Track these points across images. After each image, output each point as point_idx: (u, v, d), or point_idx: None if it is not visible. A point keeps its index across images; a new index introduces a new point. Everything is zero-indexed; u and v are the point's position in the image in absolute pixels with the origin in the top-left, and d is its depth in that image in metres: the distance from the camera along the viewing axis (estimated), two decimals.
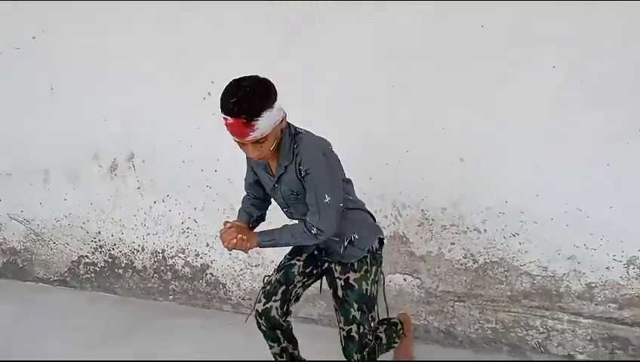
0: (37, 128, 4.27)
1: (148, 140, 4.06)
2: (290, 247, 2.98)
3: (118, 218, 4.26)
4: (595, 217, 3.19)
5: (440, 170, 3.42)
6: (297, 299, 2.91)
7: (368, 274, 2.84)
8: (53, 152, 4.30)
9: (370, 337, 2.88)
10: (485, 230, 3.41)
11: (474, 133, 3.32)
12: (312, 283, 2.96)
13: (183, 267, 4.19)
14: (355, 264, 2.83)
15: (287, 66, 3.48)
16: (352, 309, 2.82)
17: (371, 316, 2.89)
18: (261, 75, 2.49)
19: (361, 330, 2.84)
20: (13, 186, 4.48)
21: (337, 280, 2.85)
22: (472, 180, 3.38)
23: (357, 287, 2.82)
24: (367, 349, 2.88)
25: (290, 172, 2.64)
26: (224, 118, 2.47)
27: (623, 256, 3.18)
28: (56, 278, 4.55)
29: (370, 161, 3.54)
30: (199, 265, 4.14)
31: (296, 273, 2.88)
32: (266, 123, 2.46)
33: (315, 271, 2.94)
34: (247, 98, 2.42)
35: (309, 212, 2.63)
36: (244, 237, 2.69)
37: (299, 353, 2.94)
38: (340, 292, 2.84)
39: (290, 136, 2.63)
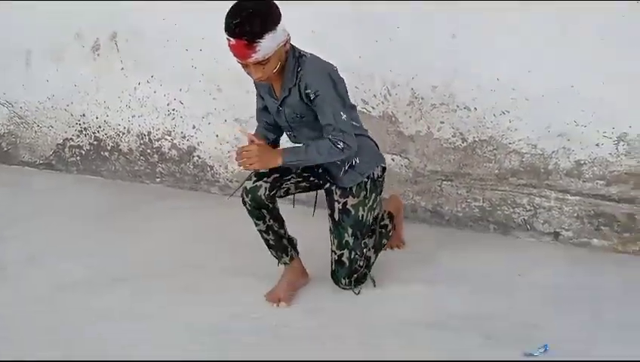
0: (17, 7, 4.14)
1: (131, 19, 3.95)
2: None
3: (103, 100, 4.19)
4: (586, 94, 3.13)
5: (431, 47, 3.34)
6: (286, 192, 2.89)
7: (366, 201, 2.88)
8: (34, 32, 4.20)
9: (361, 263, 2.94)
10: (475, 108, 3.36)
11: (466, 9, 3.22)
12: (304, 187, 2.94)
13: (169, 149, 4.15)
14: (354, 189, 2.86)
15: None
16: (345, 234, 2.88)
17: (364, 242, 2.94)
18: None
19: (352, 256, 2.89)
20: None
21: (336, 203, 2.89)
22: (463, 57, 3.30)
23: (353, 213, 2.86)
24: (355, 275, 2.94)
25: (294, 94, 2.67)
26: (227, 39, 2.48)
27: (613, 132, 3.15)
28: (41, 162, 4.52)
29: (359, 38, 3.46)
30: (186, 148, 4.10)
31: (293, 170, 2.86)
32: (268, 45, 2.48)
33: (311, 179, 2.93)
34: (249, 19, 2.43)
35: (329, 130, 2.63)
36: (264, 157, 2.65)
37: (286, 231, 2.94)
38: (336, 216, 2.89)
39: (294, 58, 2.65)
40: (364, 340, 2.65)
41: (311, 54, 2.69)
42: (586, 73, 3.11)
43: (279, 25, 2.50)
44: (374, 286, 2.98)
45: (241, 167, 2.67)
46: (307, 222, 3.08)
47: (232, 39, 2.47)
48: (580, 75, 3.12)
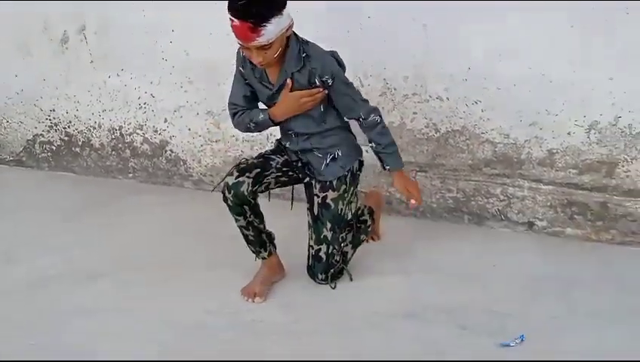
0: None
1: (99, 11, 3.87)
2: (275, 146, 2.99)
3: (72, 94, 4.13)
4: (558, 82, 3.14)
5: (403, 36, 3.32)
6: (267, 188, 2.86)
7: (345, 195, 2.89)
8: (0, 25, 4.11)
9: (338, 258, 2.93)
10: (447, 98, 3.35)
11: None
12: (283, 182, 2.93)
13: (141, 144, 4.10)
14: (335, 182, 2.86)
15: None
16: (324, 229, 2.88)
17: (342, 237, 2.94)
18: None
19: (330, 250, 2.89)
20: None
21: (315, 197, 2.89)
22: (434, 47, 3.29)
23: (333, 207, 2.87)
24: (332, 269, 2.93)
25: (300, 78, 2.66)
26: (230, 19, 2.44)
27: (584, 120, 3.16)
28: (11, 158, 4.45)
29: (330, 28, 3.42)
30: (158, 142, 4.06)
31: (274, 165, 2.85)
32: (273, 29, 2.45)
33: (290, 174, 2.92)
34: (256, 1, 2.40)
35: (358, 111, 2.74)
36: None
37: (265, 226, 2.92)
38: (315, 210, 2.89)
39: (297, 43, 2.65)
40: (341, 334, 2.65)
41: (312, 42, 2.72)
42: (557, 61, 3.11)
43: (285, 9, 2.48)
44: (351, 280, 2.98)
45: None
46: (282, 215, 3.07)
47: (235, 20, 2.43)
48: (551, 63, 3.13)
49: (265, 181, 2.82)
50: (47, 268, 3.16)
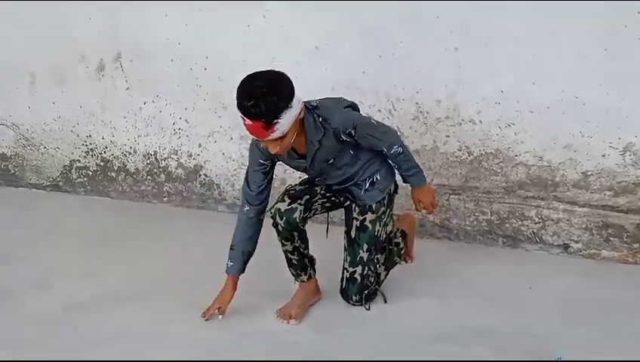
0: (21, 30, 4.16)
1: (135, 39, 3.96)
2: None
3: (109, 120, 4.20)
4: (591, 104, 3.14)
5: (434, 60, 3.35)
6: (314, 214, 2.90)
7: (382, 216, 2.90)
8: (38, 54, 4.20)
9: (372, 279, 2.94)
10: (480, 121, 3.36)
11: (469, 21, 3.24)
12: (327, 207, 2.96)
13: (176, 168, 4.15)
14: (374, 206, 2.88)
15: None
16: (360, 251, 2.89)
17: (377, 258, 2.95)
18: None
19: (365, 272, 2.90)
20: (0, 91, 4.40)
21: (354, 220, 2.90)
22: (467, 70, 3.31)
23: (370, 228, 2.88)
24: (366, 291, 2.93)
25: (327, 142, 2.67)
26: (242, 118, 2.47)
27: (619, 142, 3.15)
28: (48, 183, 4.52)
29: (362, 54, 3.47)
30: (192, 166, 4.10)
31: (318, 191, 2.88)
32: (286, 122, 2.46)
33: (333, 199, 2.95)
34: (265, 101, 2.39)
35: (384, 146, 2.76)
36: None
37: (309, 251, 2.93)
38: (353, 233, 2.90)
39: (310, 113, 2.63)
40: (376, 355, 2.64)
41: (319, 100, 2.72)
42: (590, 84, 3.13)
43: (294, 98, 2.47)
44: (385, 302, 2.97)
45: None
46: (317, 239, 3.07)
47: (247, 120, 2.45)
48: (584, 85, 3.14)
49: (313, 207, 2.85)
50: (80, 292, 3.17)
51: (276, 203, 2.79)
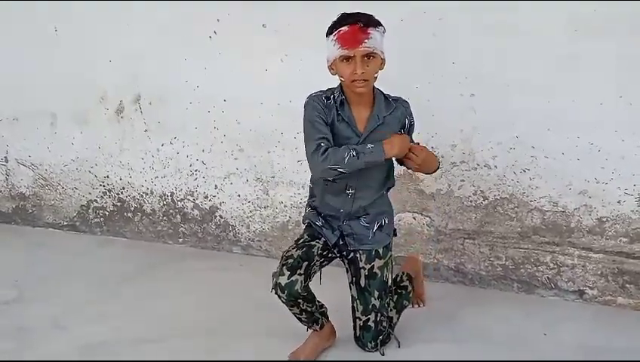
0: (42, 71, 4.24)
1: (154, 82, 4.02)
2: (308, 227, 2.96)
3: (126, 161, 4.25)
4: (606, 150, 3.16)
5: (450, 105, 3.38)
6: (314, 275, 2.87)
7: (389, 261, 2.92)
8: (59, 96, 4.27)
9: (385, 324, 2.93)
10: (495, 166, 3.38)
11: (484, 67, 3.27)
12: (325, 265, 2.94)
13: (192, 209, 4.18)
14: (381, 251, 2.88)
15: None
16: (372, 298, 2.88)
17: (387, 302, 2.95)
18: None
19: (378, 318, 2.90)
20: (20, 131, 4.47)
21: (362, 269, 2.89)
22: (482, 115, 3.34)
23: (379, 275, 2.89)
24: (381, 336, 2.93)
25: (391, 123, 2.77)
26: (338, 31, 2.59)
27: (634, 189, 3.16)
28: (65, 223, 4.56)
29: None
30: (208, 208, 4.13)
31: (316, 252, 2.83)
32: (377, 39, 2.60)
33: (330, 256, 2.94)
34: (364, 13, 2.60)
35: None
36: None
37: (316, 305, 2.88)
38: (362, 282, 2.89)
39: (378, 91, 2.79)
40: None
41: None
42: (605, 130, 3.14)
43: (384, 33, 2.65)
44: (399, 346, 2.96)
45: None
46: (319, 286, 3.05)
47: (344, 28, 2.57)
48: (599, 132, 3.15)
49: (312, 271, 2.81)
50: (95, 334, 3.17)
51: (276, 277, 2.72)
